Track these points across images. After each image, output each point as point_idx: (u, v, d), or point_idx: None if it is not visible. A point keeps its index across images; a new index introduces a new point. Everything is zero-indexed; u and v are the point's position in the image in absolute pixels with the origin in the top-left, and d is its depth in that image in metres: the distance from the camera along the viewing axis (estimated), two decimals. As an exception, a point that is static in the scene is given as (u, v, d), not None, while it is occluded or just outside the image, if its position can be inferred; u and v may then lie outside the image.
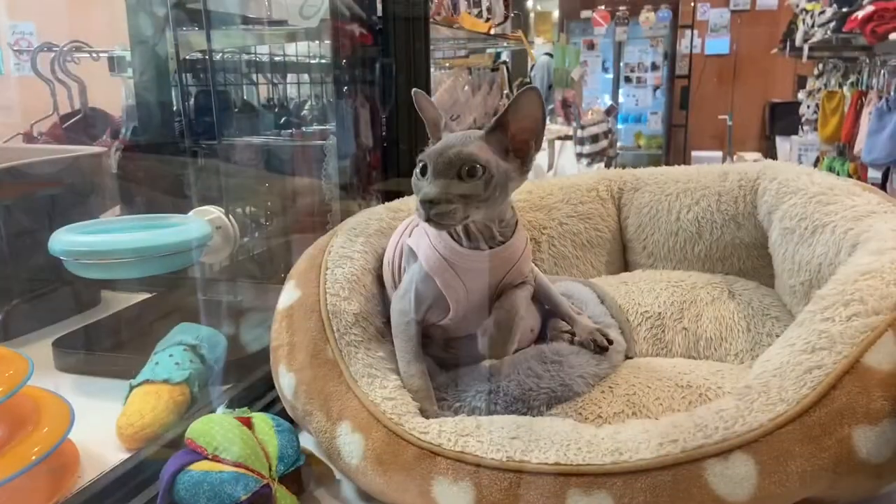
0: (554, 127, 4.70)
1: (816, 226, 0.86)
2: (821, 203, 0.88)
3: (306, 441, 0.80)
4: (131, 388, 0.89)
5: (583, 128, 4.79)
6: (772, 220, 0.97)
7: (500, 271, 0.76)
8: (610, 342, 0.85)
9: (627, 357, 0.89)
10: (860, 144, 3.39)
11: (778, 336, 0.88)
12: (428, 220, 0.68)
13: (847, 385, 0.62)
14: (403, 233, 0.86)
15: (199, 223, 1.09)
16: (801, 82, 5.52)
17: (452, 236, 0.75)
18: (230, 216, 1.17)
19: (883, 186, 3.25)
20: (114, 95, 1.75)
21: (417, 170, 0.71)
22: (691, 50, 6.61)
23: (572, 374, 0.80)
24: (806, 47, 4.07)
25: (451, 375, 0.83)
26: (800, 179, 0.93)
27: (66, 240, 0.99)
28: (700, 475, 0.61)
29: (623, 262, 1.17)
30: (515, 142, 0.72)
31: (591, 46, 6.89)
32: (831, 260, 0.82)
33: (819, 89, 4.50)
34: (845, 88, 4.00)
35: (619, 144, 5.80)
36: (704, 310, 0.95)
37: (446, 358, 0.86)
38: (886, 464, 0.62)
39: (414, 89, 0.74)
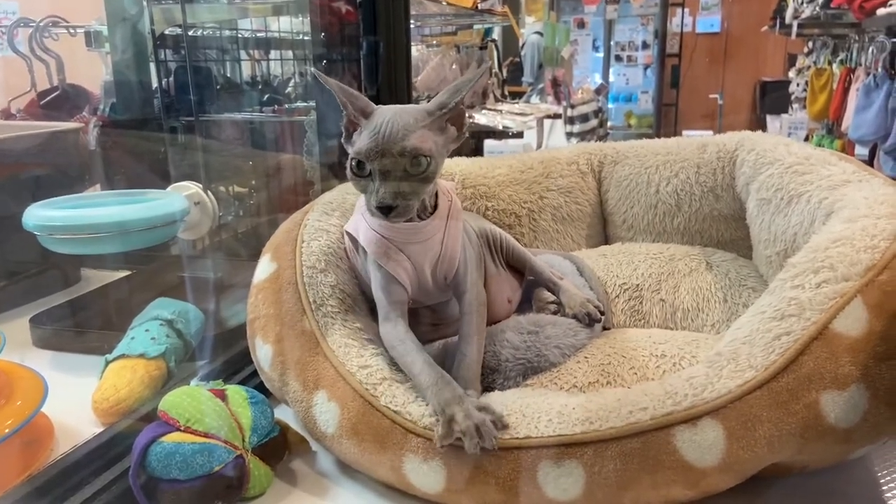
0: (543, 106, 4.68)
1: (792, 196, 0.86)
2: (797, 173, 0.87)
3: (284, 414, 0.80)
4: (107, 362, 0.88)
5: (573, 107, 4.78)
6: (749, 191, 0.97)
7: (435, 241, 0.76)
8: (602, 313, 0.85)
9: (605, 328, 0.89)
10: (847, 121, 3.39)
11: (754, 306, 0.89)
12: (386, 219, 0.69)
13: (815, 351, 0.63)
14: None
15: (175, 198, 1.08)
16: (791, 60, 5.50)
17: None
18: (209, 192, 1.16)
19: (870, 163, 3.25)
20: (95, 71, 1.73)
21: (353, 164, 0.69)
22: (682, 28, 6.57)
23: (549, 345, 0.81)
24: (795, 24, 4.05)
25: (433, 348, 0.83)
26: (777, 150, 0.93)
27: (39, 214, 0.98)
28: (669, 442, 0.62)
29: (603, 235, 1.17)
30: (453, 119, 0.73)
31: (581, 25, 6.83)
32: (806, 229, 0.82)
33: (808, 67, 4.49)
34: (834, 66, 3.99)
35: (609, 124, 5.79)
36: (682, 281, 0.95)
37: (433, 331, 0.86)
38: (854, 429, 0.62)
39: (312, 69, 0.71)
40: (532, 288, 0.93)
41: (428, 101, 0.74)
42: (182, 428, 0.67)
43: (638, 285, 0.96)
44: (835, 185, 0.82)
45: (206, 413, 0.68)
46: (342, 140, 0.73)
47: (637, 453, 0.62)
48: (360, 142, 0.68)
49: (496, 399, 0.71)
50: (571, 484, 0.62)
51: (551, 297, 0.89)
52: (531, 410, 0.67)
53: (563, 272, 0.95)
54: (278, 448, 0.73)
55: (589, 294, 0.91)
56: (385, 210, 0.67)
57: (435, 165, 0.69)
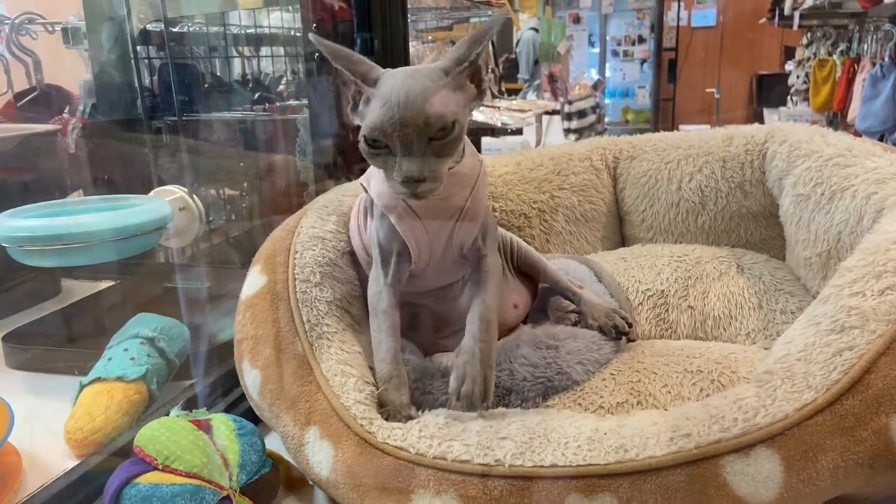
0: (541, 102, 4.61)
1: (834, 191, 0.78)
2: (838, 166, 0.80)
3: (276, 442, 0.72)
4: (82, 386, 0.80)
5: (570, 103, 4.70)
6: (783, 186, 0.89)
7: (459, 198, 0.68)
8: (630, 325, 0.77)
9: (629, 340, 0.81)
10: (853, 112, 3.32)
11: (793, 313, 0.81)
12: (415, 195, 0.60)
13: (883, 368, 0.55)
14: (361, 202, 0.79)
15: (158, 203, 1.00)
16: (787, 53, 5.44)
17: None
18: (194, 196, 1.08)
19: (877, 155, 3.18)
20: (75, 71, 1.65)
21: (370, 140, 0.60)
22: (678, 22, 6.50)
23: (570, 361, 0.73)
24: (797, 15, 3.98)
25: (438, 365, 0.75)
26: (813, 141, 0.86)
27: (8, 224, 0.90)
28: (718, 474, 0.54)
29: (620, 236, 1.09)
30: (470, 75, 0.65)
31: (576, 20, 6.76)
32: (853, 228, 0.74)
33: (808, 59, 4.42)
34: (835, 56, 3.92)
35: (606, 120, 5.72)
36: (711, 286, 0.87)
37: (435, 342, 0.78)
38: (929, 457, 0.54)
39: (311, 34, 0.62)
40: (548, 296, 0.86)
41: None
42: (160, 467, 0.59)
43: (663, 291, 0.88)
44: (883, 179, 0.74)
45: (187, 449, 0.60)
46: (349, 111, 0.65)
47: (681, 487, 0.54)
48: (372, 115, 0.60)
49: (516, 417, 0.63)
50: (605, 523, 0.54)
51: (571, 306, 0.81)
52: (557, 435, 0.59)
53: (580, 278, 0.87)
54: (270, 486, 0.65)
55: (610, 302, 0.84)
56: (413, 183, 0.59)
57: (460, 129, 0.61)
